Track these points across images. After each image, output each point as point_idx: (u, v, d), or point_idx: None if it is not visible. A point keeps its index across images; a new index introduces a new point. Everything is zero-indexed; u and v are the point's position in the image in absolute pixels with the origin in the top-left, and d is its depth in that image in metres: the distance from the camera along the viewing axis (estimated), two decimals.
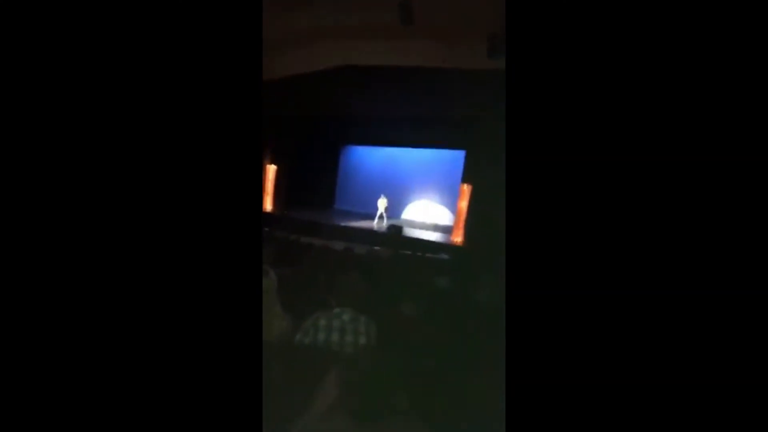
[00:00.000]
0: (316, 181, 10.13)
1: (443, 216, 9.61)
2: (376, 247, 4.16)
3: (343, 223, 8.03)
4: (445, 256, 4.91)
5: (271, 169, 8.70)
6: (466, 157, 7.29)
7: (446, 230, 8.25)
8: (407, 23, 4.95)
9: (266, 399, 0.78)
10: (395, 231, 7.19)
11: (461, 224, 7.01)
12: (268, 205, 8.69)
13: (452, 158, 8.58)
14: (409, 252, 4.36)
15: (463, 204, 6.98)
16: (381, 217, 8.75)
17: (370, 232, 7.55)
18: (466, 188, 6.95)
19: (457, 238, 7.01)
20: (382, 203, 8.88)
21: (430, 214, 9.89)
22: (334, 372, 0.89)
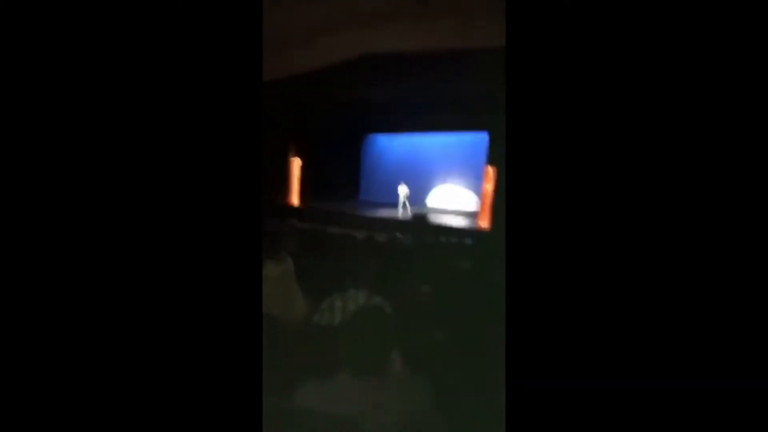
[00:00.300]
0: (340, 173, 10.19)
1: (470, 200, 9.43)
2: (399, 235, 4.14)
3: (367, 214, 8.07)
4: (469, 241, 4.82)
5: (295, 163, 8.86)
6: (490, 138, 7.08)
7: (473, 215, 8.10)
8: (422, 2, 4.82)
9: (277, 375, 0.80)
10: (420, 218, 7.14)
11: (487, 207, 6.85)
12: (294, 199, 8.88)
13: (477, 140, 8.35)
14: (433, 238, 4.31)
15: (489, 186, 6.81)
16: (404, 205, 8.67)
17: (394, 221, 7.55)
18: (491, 170, 6.77)
19: (484, 222, 6.87)
20: (402, 191, 8.71)
21: (456, 198, 9.72)
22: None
